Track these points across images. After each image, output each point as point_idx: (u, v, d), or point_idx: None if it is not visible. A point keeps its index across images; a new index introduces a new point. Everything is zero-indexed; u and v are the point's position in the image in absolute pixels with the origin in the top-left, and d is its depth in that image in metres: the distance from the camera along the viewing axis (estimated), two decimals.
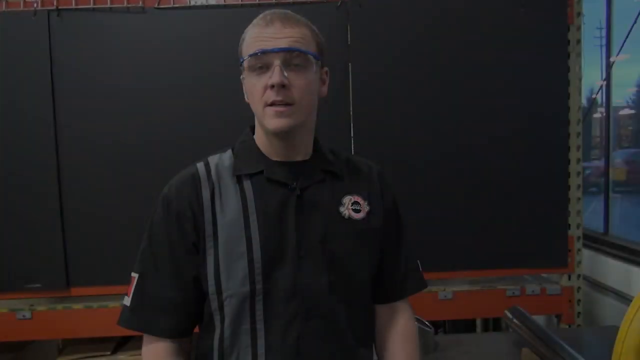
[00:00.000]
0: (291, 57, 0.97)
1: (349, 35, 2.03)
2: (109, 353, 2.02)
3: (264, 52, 0.96)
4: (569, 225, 2.15)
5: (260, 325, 0.97)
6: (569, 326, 2.16)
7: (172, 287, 0.99)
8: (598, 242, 2.64)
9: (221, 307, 0.98)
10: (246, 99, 1.04)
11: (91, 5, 1.98)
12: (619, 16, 2.76)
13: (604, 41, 3.09)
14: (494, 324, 2.92)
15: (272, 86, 0.95)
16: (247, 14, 1.97)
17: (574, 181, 2.14)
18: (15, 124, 1.99)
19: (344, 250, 1.04)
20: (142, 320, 0.99)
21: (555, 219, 2.15)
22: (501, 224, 2.12)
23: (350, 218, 1.06)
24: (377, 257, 1.11)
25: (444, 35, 2.06)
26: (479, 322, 2.92)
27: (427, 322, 1.73)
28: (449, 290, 2.10)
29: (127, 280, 1.99)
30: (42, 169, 1.99)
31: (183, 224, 0.99)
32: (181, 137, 1.97)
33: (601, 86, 2.91)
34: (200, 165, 1.04)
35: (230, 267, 0.97)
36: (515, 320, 1.68)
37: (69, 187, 2.00)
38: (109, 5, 1.98)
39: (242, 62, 1.00)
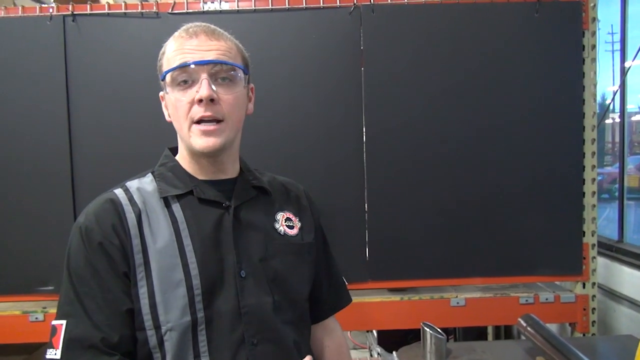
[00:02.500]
0: (219, 71, 0.92)
1: (361, 41, 2.03)
2: None
3: (189, 65, 0.90)
4: (584, 232, 2.12)
5: (205, 358, 0.89)
6: (583, 335, 2.13)
7: (107, 325, 0.87)
8: (612, 249, 2.60)
9: (161, 343, 0.89)
10: (167, 117, 1.00)
11: (106, 11, 2.00)
12: (632, 21, 2.73)
13: (615, 46, 3.05)
14: (505, 332, 2.89)
15: (200, 100, 0.89)
16: (260, 18, 2.01)
17: (589, 188, 2.11)
18: (30, 128, 2.00)
19: (284, 267, 1.00)
20: None
21: (569, 226, 2.12)
22: (515, 230, 2.09)
23: (285, 234, 1.03)
24: (313, 272, 1.09)
25: (457, 41, 2.05)
26: (490, 330, 2.90)
27: (439, 329, 1.72)
28: (462, 297, 2.08)
29: None
30: (56, 172, 2.00)
31: (109, 252, 0.89)
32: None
33: (615, 92, 2.87)
34: (118, 191, 0.96)
35: (168, 298, 0.88)
36: (529, 328, 1.65)
37: (82, 190, 2.01)
38: (123, 10, 2.00)
39: (164, 77, 0.95)
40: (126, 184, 0.98)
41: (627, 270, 2.42)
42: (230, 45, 0.96)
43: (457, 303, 2.08)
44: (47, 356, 0.87)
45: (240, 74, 0.95)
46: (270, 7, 2.02)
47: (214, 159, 0.97)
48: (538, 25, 2.04)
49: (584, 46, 2.08)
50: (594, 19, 2.09)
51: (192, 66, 0.91)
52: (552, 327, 1.90)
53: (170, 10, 2.00)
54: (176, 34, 0.98)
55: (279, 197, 1.08)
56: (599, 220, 2.18)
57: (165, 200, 0.95)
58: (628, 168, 2.86)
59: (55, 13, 1.99)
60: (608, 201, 3.15)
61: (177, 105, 0.93)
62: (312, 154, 2.04)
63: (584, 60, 2.08)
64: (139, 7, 2.00)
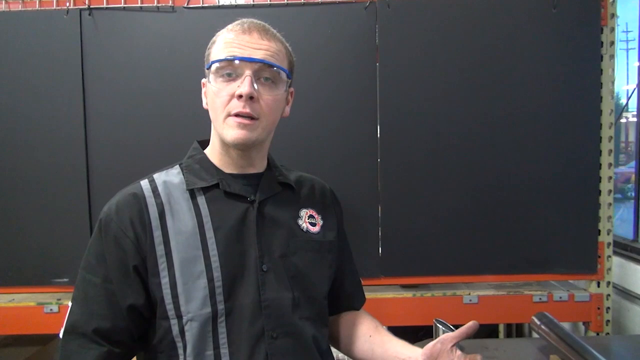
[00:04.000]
0: (263, 70, 0.93)
1: (377, 36, 2.02)
2: None
3: (237, 60, 0.92)
4: (599, 230, 2.10)
5: (224, 350, 0.90)
6: (597, 334, 2.11)
7: (102, 315, 0.90)
8: (628, 249, 2.58)
9: (182, 333, 0.90)
10: (204, 105, 1.00)
11: (122, 5, 2.01)
12: None
13: (630, 44, 3.00)
14: (517, 331, 2.87)
15: (240, 96, 0.91)
16: (276, 13, 2.00)
17: (605, 186, 2.09)
18: (47, 122, 2.02)
19: (304, 264, 1.01)
20: (68, 350, 0.89)
21: (585, 224, 2.10)
22: (530, 228, 2.08)
23: (308, 231, 1.04)
24: (333, 271, 1.09)
25: (473, 36, 2.03)
26: (502, 328, 2.88)
27: (451, 326, 1.71)
28: (474, 294, 2.07)
29: None
30: (71, 165, 2.02)
31: (121, 245, 0.91)
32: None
33: (632, 91, 2.83)
34: (144, 183, 0.97)
35: (189, 289, 0.90)
36: (543, 326, 1.64)
37: (97, 184, 2.03)
38: (139, 4, 2.00)
39: (210, 65, 0.95)
40: (153, 176, 1.00)
41: None
42: (279, 48, 0.98)
43: (470, 300, 2.07)
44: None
45: (284, 76, 0.97)
46: (285, 2, 2.02)
47: (243, 153, 0.98)
48: (556, 20, 2.02)
49: (602, 43, 2.06)
50: (613, 15, 2.06)
51: (237, 62, 0.92)
52: (566, 326, 1.89)
53: (185, 5, 2.01)
54: (230, 26, 0.99)
55: (304, 194, 1.09)
56: (616, 221, 2.16)
57: (191, 192, 0.96)
58: None
59: (72, 7, 2.01)
60: (622, 201, 3.11)
61: (217, 96, 0.94)
62: (326, 149, 2.03)
63: (602, 57, 2.06)
64: (155, 1, 2.01)
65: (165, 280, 0.90)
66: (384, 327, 1.19)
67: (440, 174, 2.05)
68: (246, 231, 0.95)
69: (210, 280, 0.91)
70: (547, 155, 2.07)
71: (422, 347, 1.73)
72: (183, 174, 0.99)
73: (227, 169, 1.00)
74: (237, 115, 0.92)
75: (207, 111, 1.01)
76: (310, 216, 1.06)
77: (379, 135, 2.05)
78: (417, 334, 2.47)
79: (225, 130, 0.94)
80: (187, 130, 2.00)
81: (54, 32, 2.01)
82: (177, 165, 1.01)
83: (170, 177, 0.98)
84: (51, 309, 2.02)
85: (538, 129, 2.06)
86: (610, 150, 2.09)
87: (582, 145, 2.08)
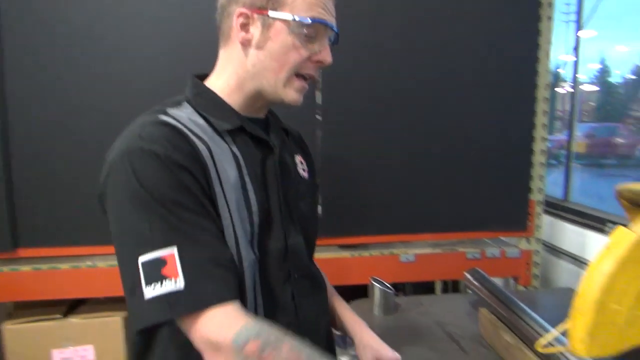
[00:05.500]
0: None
1: None
2: (60, 316, 1.94)
3: (332, 27, 0.90)
4: (531, 189, 2.17)
5: (258, 294, 0.89)
6: (526, 288, 2.20)
7: (218, 245, 0.80)
8: (557, 208, 2.69)
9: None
10: (240, 38, 0.89)
11: None
12: None
13: (571, 17, 3.07)
14: (453, 287, 2.97)
15: (320, 62, 0.90)
16: None
17: (538, 146, 2.14)
18: None
19: (307, 209, 1.03)
20: (209, 292, 0.75)
21: (517, 184, 2.17)
22: (464, 187, 2.12)
23: (302, 176, 1.05)
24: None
25: (413, 6, 2.00)
26: (438, 285, 2.96)
27: (388, 284, 1.73)
28: (411, 253, 2.10)
29: (81, 241, 1.90)
30: None
31: (196, 176, 0.80)
32: (134, 97, 1.87)
33: (574, 62, 2.92)
34: (170, 119, 0.84)
35: (241, 232, 0.85)
36: (474, 281, 1.68)
37: (15, 141, 1.87)
38: None
39: (294, 17, 0.86)
40: (168, 112, 0.86)
41: (569, 227, 2.50)
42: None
43: (407, 259, 2.09)
44: (161, 290, 0.73)
45: None
46: None
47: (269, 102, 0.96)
48: None
49: (539, 17, 2.07)
50: None
51: (330, 30, 0.90)
52: (497, 281, 1.95)
53: None
54: None
55: (291, 139, 1.09)
56: (547, 184, 2.23)
57: (219, 133, 0.89)
58: (576, 135, 2.98)
59: None
60: (557, 167, 3.26)
61: (289, 52, 0.88)
62: None
63: (540, 17, 2.07)
64: None
65: (227, 223, 0.84)
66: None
67: (379, 135, 2.04)
68: (269, 177, 0.92)
69: (251, 225, 0.88)
70: (481, 116, 2.09)
71: (359, 305, 1.75)
72: (202, 114, 0.89)
73: (243, 112, 0.93)
74: (305, 78, 0.91)
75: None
76: (301, 162, 1.07)
77: (319, 101, 1.99)
78: (355, 293, 2.51)
79: (287, 89, 0.90)
80: (107, 87, 1.88)
81: None
82: (186, 103, 0.90)
83: (192, 116, 0.88)
84: None
85: (474, 91, 2.08)
86: (545, 112, 2.13)
87: (517, 107, 2.12)
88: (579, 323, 0.73)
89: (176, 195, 0.77)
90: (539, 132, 2.13)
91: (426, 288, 2.88)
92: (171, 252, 0.74)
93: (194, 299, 0.74)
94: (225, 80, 0.93)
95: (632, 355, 0.72)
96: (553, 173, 3.08)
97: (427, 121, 2.07)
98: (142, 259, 0.74)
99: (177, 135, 0.81)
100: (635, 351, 0.72)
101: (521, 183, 2.17)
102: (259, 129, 0.93)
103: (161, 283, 0.73)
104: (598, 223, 2.26)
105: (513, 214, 2.17)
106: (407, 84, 2.04)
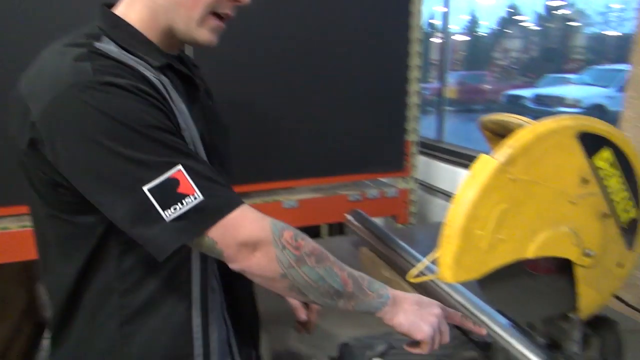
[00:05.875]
0: None
1: None
2: None
3: None
4: (406, 130, 2.23)
5: None
6: (404, 225, 2.30)
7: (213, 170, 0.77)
8: (432, 148, 2.82)
9: None
10: None
11: None
12: None
13: None
14: (339, 229, 3.04)
15: (237, 0, 0.82)
16: None
17: (413, 87, 2.20)
18: None
19: (226, 152, 0.97)
20: (229, 196, 0.74)
21: (394, 126, 2.22)
22: (343, 132, 2.12)
23: (220, 117, 0.99)
24: None
25: None
26: (324, 228, 3.02)
27: None
28: (294, 198, 2.08)
29: None
30: None
31: (159, 101, 0.74)
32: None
33: (444, 13, 3.00)
34: (109, 49, 0.76)
35: None
36: (355, 222, 1.71)
37: None
38: None
39: None
40: (95, 45, 0.75)
41: (443, 166, 2.65)
42: None
43: (290, 205, 2.08)
44: (184, 208, 0.70)
45: None
46: None
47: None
48: None
49: None
50: None
51: None
52: (378, 221, 2.01)
53: None
54: None
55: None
56: (422, 130, 2.32)
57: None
58: (449, 82, 3.16)
59: None
60: (432, 113, 3.45)
61: None
62: None
63: None
64: None
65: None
66: None
67: (256, 82, 1.96)
68: (198, 114, 0.85)
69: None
70: (360, 64, 2.09)
71: None
72: (127, 49, 0.79)
73: (164, 49, 0.84)
74: (221, 17, 0.83)
75: None
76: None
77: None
78: None
79: (201, 29, 0.82)
80: None
81: None
82: (104, 37, 0.78)
83: (117, 50, 0.77)
84: None
85: (353, 42, 2.07)
86: (420, 53, 2.18)
87: (391, 55, 2.15)
88: (446, 250, 0.74)
89: (154, 120, 0.71)
90: (413, 74, 2.18)
91: (312, 232, 2.92)
92: (178, 170, 0.71)
93: (219, 206, 0.73)
94: (138, 13, 0.82)
95: (492, 276, 0.75)
96: (428, 118, 3.24)
97: (306, 68, 2.02)
98: (149, 186, 0.69)
99: (127, 67, 0.74)
100: (494, 272, 0.75)
101: (397, 125, 2.22)
102: (182, 66, 0.86)
103: (181, 202, 0.70)
104: (469, 161, 2.41)
105: (391, 156, 2.23)
106: (286, 31, 1.97)
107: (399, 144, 2.23)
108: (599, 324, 0.89)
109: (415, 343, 0.83)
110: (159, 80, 0.77)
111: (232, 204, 0.74)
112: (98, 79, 0.69)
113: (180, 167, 0.71)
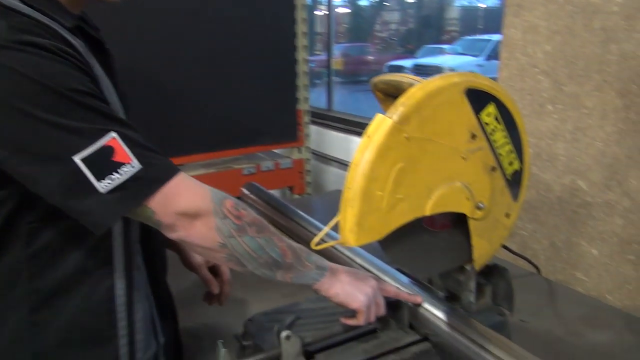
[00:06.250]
0: None
1: None
2: None
3: None
4: (298, 99, 2.21)
5: None
6: (301, 196, 2.30)
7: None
8: (323, 117, 2.84)
9: None
10: None
11: None
12: None
13: None
14: None
15: None
16: None
17: (301, 55, 2.17)
18: None
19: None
20: (166, 164, 0.70)
21: (284, 96, 2.19)
22: (234, 106, 2.07)
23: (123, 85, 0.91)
24: None
25: None
26: None
27: None
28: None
29: None
30: None
31: (82, 62, 0.68)
32: None
33: None
34: (21, 7, 0.67)
35: None
36: (251, 195, 1.66)
37: None
38: None
39: None
40: (2, 2, 0.66)
41: (336, 135, 2.67)
42: None
43: None
44: (121, 178, 0.65)
45: None
46: None
47: None
48: None
49: None
50: None
51: None
52: (275, 193, 1.98)
53: None
54: None
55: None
56: (311, 100, 2.31)
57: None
58: (334, 54, 3.22)
59: None
60: (320, 85, 3.48)
61: None
62: None
63: None
64: None
65: None
66: None
67: (141, 52, 1.84)
68: (111, 79, 0.78)
69: None
70: (249, 36, 2.05)
71: None
72: (36, 8, 0.69)
73: (68, 7, 0.75)
74: None
75: None
76: None
77: None
78: None
79: None
80: None
81: None
82: None
83: (29, 11, 0.68)
84: None
85: (239, 16, 2.04)
86: (304, 20, 2.15)
87: (278, 26, 2.13)
88: (347, 214, 0.72)
89: (80, 84, 0.66)
90: (301, 42, 2.15)
91: None
92: (112, 138, 0.66)
93: (157, 174, 0.69)
94: None
95: (392, 236, 0.75)
96: (316, 91, 3.26)
97: (192, 42, 1.96)
98: (81, 155, 0.64)
99: (44, 26, 0.67)
100: (394, 232, 0.75)
101: (288, 94, 2.19)
102: (89, 29, 0.80)
103: (117, 172, 0.65)
104: (360, 128, 2.45)
105: (283, 126, 2.20)
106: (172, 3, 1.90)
107: (290, 114, 2.21)
108: (490, 272, 0.93)
109: (351, 315, 0.83)
110: (77, 42, 0.70)
111: (170, 172, 0.70)
112: (15, 37, 0.62)
113: (114, 134, 0.66)
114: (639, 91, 1.18)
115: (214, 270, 1.02)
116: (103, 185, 0.65)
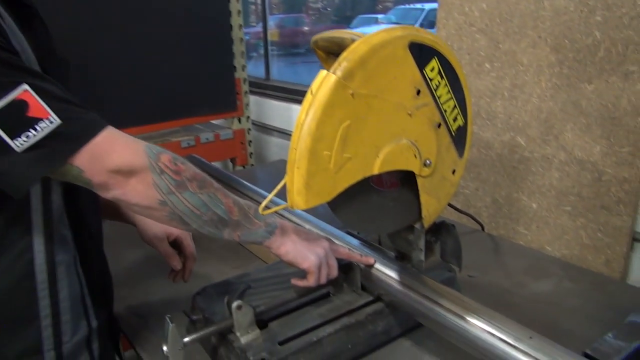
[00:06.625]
0: None
1: None
2: None
3: None
4: (235, 67, 2.13)
5: None
6: (244, 167, 2.24)
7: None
8: (262, 87, 2.76)
9: None
10: None
11: None
12: None
13: None
14: None
15: None
16: None
17: (236, 21, 2.09)
18: None
19: (66, 86, 0.82)
20: (91, 118, 0.65)
21: (221, 64, 2.10)
22: (170, 76, 1.96)
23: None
24: None
25: None
26: None
27: None
28: None
29: None
30: None
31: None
32: None
33: None
34: None
35: None
36: None
37: None
38: None
39: None
40: None
41: (275, 104, 2.61)
42: None
43: None
44: (39, 135, 0.59)
45: None
46: None
47: None
48: None
49: None
50: None
51: None
52: (217, 165, 1.92)
53: None
54: None
55: None
56: (249, 70, 2.24)
57: None
58: (270, 25, 3.12)
59: None
60: (258, 58, 3.41)
61: None
62: None
63: None
64: None
65: None
66: None
67: (73, 25, 1.71)
68: (34, 40, 0.71)
69: None
70: (182, 5, 1.96)
71: None
72: None
73: None
74: None
75: None
76: None
77: None
78: None
79: None
80: None
81: None
82: None
83: None
84: None
85: None
86: None
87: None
88: (295, 176, 0.70)
89: None
90: (235, 7, 2.07)
91: None
92: (24, 90, 0.59)
93: (81, 130, 0.63)
94: None
95: (341, 198, 0.73)
96: (253, 63, 3.18)
97: (126, 13, 1.84)
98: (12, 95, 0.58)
99: None
100: (343, 194, 0.73)
101: (225, 63, 2.11)
102: None
103: (34, 128, 0.59)
104: (300, 96, 2.40)
105: (221, 96, 2.13)
106: None
107: (228, 83, 2.13)
108: (438, 230, 0.94)
109: (302, 276, 0.81)
110: None
111: (97, 126, 0.64)
112: None
113: (26, 86, 0.59)
114: (571, 46, 1.21)
115: (177, 244, 0.95)
116: (18, 144, 0.59)
